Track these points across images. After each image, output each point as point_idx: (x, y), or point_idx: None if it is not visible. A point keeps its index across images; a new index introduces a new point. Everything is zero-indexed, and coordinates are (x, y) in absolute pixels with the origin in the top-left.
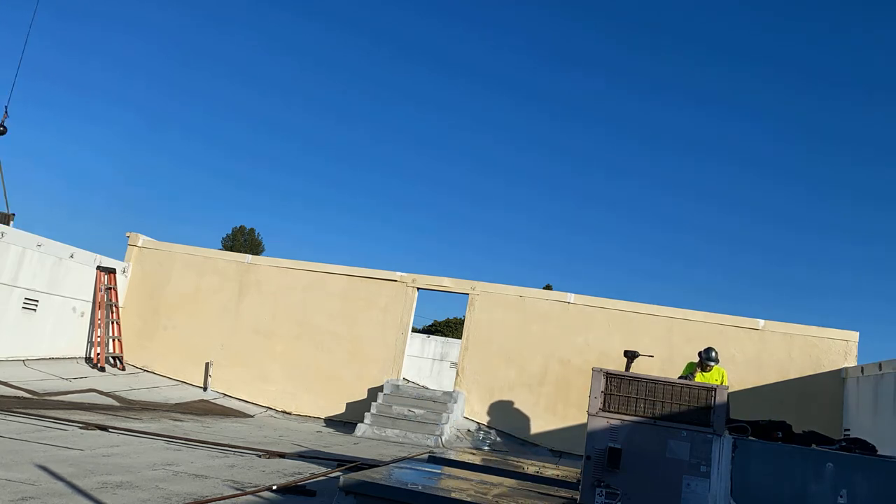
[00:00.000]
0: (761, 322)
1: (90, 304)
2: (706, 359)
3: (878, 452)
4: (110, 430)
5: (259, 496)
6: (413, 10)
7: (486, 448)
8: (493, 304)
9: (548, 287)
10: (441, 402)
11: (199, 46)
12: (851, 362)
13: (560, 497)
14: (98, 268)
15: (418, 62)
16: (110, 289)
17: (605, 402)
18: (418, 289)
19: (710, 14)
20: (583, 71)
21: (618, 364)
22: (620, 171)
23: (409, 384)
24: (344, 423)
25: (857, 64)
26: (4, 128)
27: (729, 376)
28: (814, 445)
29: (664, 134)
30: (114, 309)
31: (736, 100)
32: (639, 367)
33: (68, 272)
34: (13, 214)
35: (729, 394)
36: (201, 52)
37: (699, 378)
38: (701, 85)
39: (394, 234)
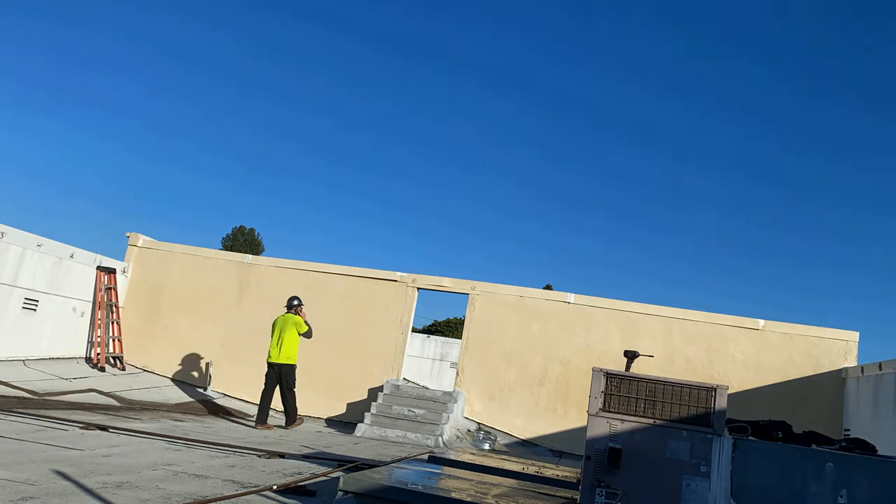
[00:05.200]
0: (761, 322)
1: (90, 304)
2: None
3: (878, 452)
4: (110, 430)
5: (259, 496)
6: (411, 10)
7: (486, 448)
8: (493, 304)
9: (548, 287)
10: (441, 402)
11: (196, 51)
12: (851, 362)
13: (560, 497)
14: (98, 268)
15: (418, 63)
16: (110, 289)
17: (605, 402)
18: (418, 289)
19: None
20: (586, 68)
21: (618, 364)
22: (620, 172)
23: (409, 384)
24: (344, 423)
25: (856, 67)
26: None
27: (729, 376)
28: (814, 445)
29: (663, 134)
30: (114, 309)
31: (735, 102)
32: (639, 367)
33: (68, 272)
34: None
35: (729, 394)
36: (199, 56)
37: None
38: (702, 86)
39: (394, 235)
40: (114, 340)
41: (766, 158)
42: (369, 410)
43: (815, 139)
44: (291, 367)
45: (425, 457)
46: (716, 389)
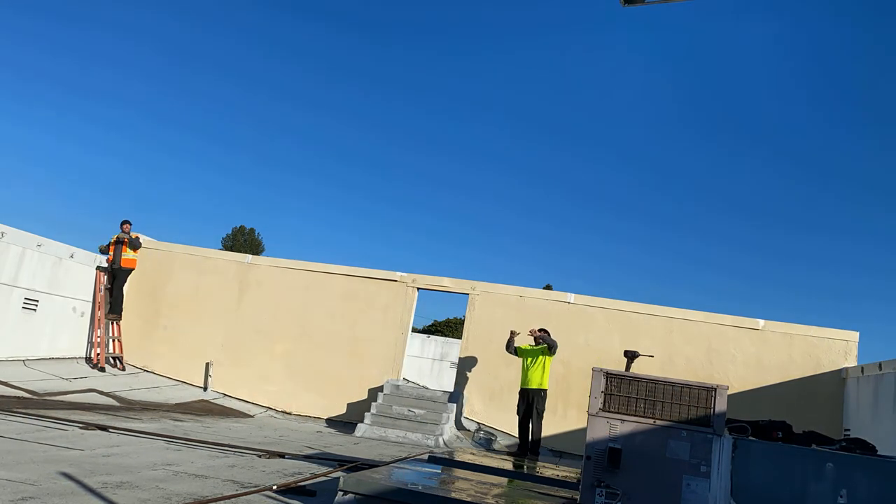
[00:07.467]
0: (761, 322)
1: (90, 304)
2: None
3: (878, 452)
4: (110, 430)
5: (259, 496)
6: (412, 4)
7: (486, 448)
8: (493, 304)
9: (548, 287)
10: (441, 402)
11: (195, 48)
12: (851, 362)
13: (560, 497)
14: (98, 268)
15: (417, 58)
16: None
17: (605, 402)
18: (418, 289)
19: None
20: (589, 67)
21: (618, 364)
22: (621, 172)
23: (410, 384)
24: (344, 423)
25: (861, 59)
26: None
27: (729, 376)
28: (814, 445)
29: (664, 133)
30: None
31: (737, 96)
32: (639, 367)
33: (68, 272)
34: None
35: (729, 395)
36: (198, 53)
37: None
38: (705, 79)
39: (394, 235)
40: (114, 340)
41: (766, 153)
42: (369, 410)
43: (818, 132)
44: None
45: (425, 457)
46: (716, 389)
